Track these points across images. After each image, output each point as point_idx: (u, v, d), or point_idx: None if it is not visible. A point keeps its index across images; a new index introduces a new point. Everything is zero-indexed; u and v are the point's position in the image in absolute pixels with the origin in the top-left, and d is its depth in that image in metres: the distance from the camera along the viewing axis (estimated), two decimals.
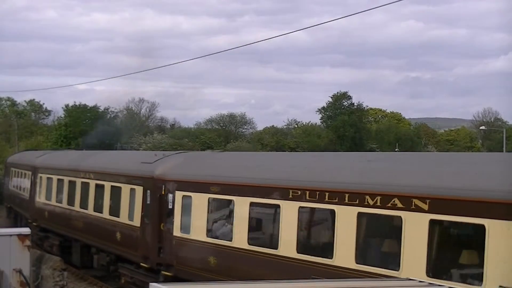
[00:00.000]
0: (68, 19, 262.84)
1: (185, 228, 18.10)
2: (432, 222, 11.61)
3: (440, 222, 11.59)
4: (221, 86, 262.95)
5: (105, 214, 23.70)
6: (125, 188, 22.01)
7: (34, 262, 18.50)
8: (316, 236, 14.49)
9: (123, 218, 22.03)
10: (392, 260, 12.28)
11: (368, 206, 12.83)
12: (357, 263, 12.97)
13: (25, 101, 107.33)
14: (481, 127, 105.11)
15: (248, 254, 15.73)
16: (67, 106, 77.26)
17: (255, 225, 15.89)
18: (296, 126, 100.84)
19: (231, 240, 16.34)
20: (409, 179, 12.37)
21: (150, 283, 7.91)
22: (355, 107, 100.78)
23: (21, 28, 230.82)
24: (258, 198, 15.63)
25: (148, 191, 20.36)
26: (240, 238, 16.00)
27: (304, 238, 14.51)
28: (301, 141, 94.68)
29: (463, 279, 11.09)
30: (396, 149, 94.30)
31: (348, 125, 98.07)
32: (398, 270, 12.13)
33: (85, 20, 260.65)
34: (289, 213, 14.62)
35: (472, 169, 11.90)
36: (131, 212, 21.52)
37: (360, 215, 13.01)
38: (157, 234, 19.64)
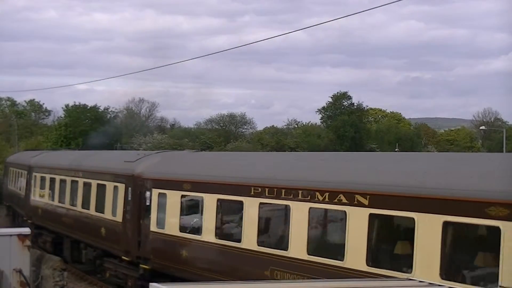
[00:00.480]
0: (68, 19, 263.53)
1: (161, 223, 19.24)
2: (371, 216, 12.72)
3: (378, 215, 12.68)
4: (221, 86, 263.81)
5: (92, 211, 24.84)
6: (109, 186, 23.16)
7: (34, 262, 18.38)
8: (274, 230, 15.56)
9: (107, 214, 23.18)
10: (338, 251, 13.36)
11: (318, 201, 13.94)
12: (309, 254, 14.07)
13: (25, 101, 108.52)
14: (481, 127, 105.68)
15: (216, 247, 16.84)
16: (67, 106, 77.37)
17: (221, 221, 16.99)
18: (296, 126, 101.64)
19: (200, 235, 17.47)
20: (352, 177, 13.46)
21: (150, 283, 7.79)
22: (355, 107, 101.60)
23: (21, 28, 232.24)
24: (224, 195, 16.76)
25: (129, 189, 21.49)
26: (208, 233, 17.12)
27: (264, 232, 15.60)
28: (301, 141, 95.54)
29: (397, 268, 12.14)
30: (396, 149, 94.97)
31: (348, 125, 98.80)
32: (342, 260, 13.22)
33: (85, 20, 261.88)
34: (251, 209, 15.73)
35: (408, 167, 12.98)
36: (114, 208, 22.65)
37: (311, 210, 14.12)
38: (137, 229, 20.77)
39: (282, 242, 14.79)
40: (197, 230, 17.66)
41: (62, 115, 79.32)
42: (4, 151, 61.67)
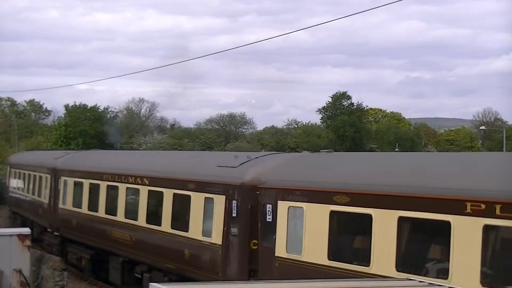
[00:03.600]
0: (69, 19, 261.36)
1: (64, 201, 27.41)
2: (149, 191, 20.51)
3: (151, 191, 20.42)
4: (221, 86, 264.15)
5: (36, 196, 33.18)
6: (44, 177, 31.41)
7: (34, 262, 18.97)
8: (113, 202, 23.26)
9: (42, 198, 31.44)
10: (136, 214, 21.18)
11: (131, 183, 21.81)
12: (125, 218, 21.89)
13: (25, 101, 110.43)
14: (481, 127, 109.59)
15: (86, 216, 25.01)
16: (66, 106, 79.04)
17: (92, 198, 24.95)
18: (296, 126, 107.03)
19: (81, 208, 25.55)
20: (143, 167, 21.35)
21: (150, 283, 8.31)
22: (355, 107, 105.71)
23: (22, 28, 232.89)
24: (92, 180, 24.79)
25: (53, 178, 29.73)
26: (85, 206, 25.21)
27: (108, 204, 23.49)
28: (301, 141, 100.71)
29: (157, 223, 19.80)
30: (396, 149, 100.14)
31: (348, 125, 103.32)
32: (137, 220, 21.02)
33: (86, 20, 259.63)
34: (102, 189, 23.77)
35: (168, 161, 20.77)
36: (45, 193, 30.89)
37: (127, 189, 22.02)
38: (56, 207, 29.00)
39: (116, 210, 22.69)
40: (79, 205, 25.75)
41: (62, 115, 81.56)
42: (4, 151, 65.27)
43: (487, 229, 10.57)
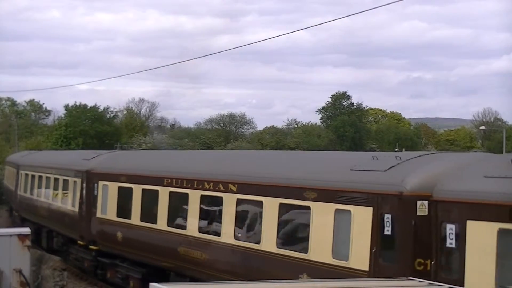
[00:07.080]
0: (71, 19, 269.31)
1: (21, 188, 38.43)
2: (54, 178, 30.89)
3: (55, 178, 30.82)
4: (222, 86, 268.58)
5: (11, 186, 44.42)
6: (14, 171, 42.69)
7: (34, 262, 19.43)
8: (39, 188, 33.77)
9: (12, 186, 42.57)
10: (48, 195, 31.60)
11: (47, 173, 32.25)
12: (44, 198, 32.24)
13: (25, 101, 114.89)
14: (481, 127, 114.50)
15: (30, 198, 35.53)
16: (66, 106, 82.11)
17: (26, 184, 35.54)
18: (296, 126, 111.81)
19: (27, 193, 36.25)
20: (53, 161, 31.79)
21: (150, 283, 9.14)
22: (355, 107, 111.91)
23: (24, 28, 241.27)
24: (33, 172, 35.48)
25: (17, 171, 40.75)
26: (22, 190, 35.93)
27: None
28: (301, 141, 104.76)
29: (68, 204, 30.08)
30: (396, 149, 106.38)
31: (348, 125, 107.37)
32: (49, 199, 31.39)
33: (88, 20, 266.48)
34: (36, 178, 34.31)
35: (68, 156, 31.12)
36: (13, 182, 42.02)
37: (46, 177, 32.47)
38: (16, 194, 39.87)
39: (41, 193, 33.23)
40: (26, 191, 36.48)
41: (63, 115, 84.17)
42: (4, 151, 68.43)
43: (172, 194, 20.61)
